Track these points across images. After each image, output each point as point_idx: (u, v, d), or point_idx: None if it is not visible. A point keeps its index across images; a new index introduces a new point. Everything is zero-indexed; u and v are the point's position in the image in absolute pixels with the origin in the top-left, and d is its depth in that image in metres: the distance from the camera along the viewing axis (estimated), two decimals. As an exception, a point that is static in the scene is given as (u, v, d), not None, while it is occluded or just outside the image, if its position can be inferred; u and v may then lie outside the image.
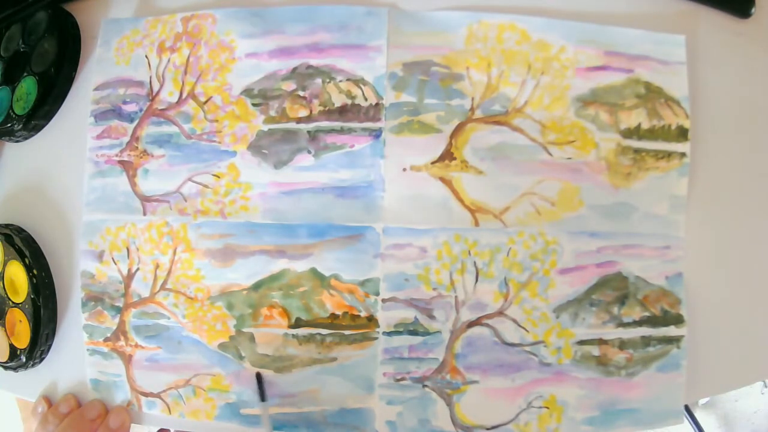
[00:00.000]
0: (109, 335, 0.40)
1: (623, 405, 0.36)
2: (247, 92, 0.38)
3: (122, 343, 0.39)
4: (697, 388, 0.36)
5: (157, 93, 0.40)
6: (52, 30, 0.42)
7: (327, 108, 0.37)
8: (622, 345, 0.36)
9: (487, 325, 0.36)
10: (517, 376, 0.36)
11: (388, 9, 0.37)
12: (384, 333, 0.36)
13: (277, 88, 0.38)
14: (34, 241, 0.42)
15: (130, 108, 0.40)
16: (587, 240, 0.36)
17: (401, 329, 0.36)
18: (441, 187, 0.36)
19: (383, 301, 0.36)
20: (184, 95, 0.39)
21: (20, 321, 0.41)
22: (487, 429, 0.36)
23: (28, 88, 0.42)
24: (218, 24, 0.39)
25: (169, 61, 0.39)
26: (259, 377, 0.36)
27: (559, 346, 0.36)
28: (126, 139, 0.40)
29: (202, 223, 0.38)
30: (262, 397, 0.35)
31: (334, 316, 0.37)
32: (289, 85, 0.38)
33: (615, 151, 0.36)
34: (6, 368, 0.42)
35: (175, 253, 0.38)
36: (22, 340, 0.41)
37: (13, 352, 0.41)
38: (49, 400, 0.41)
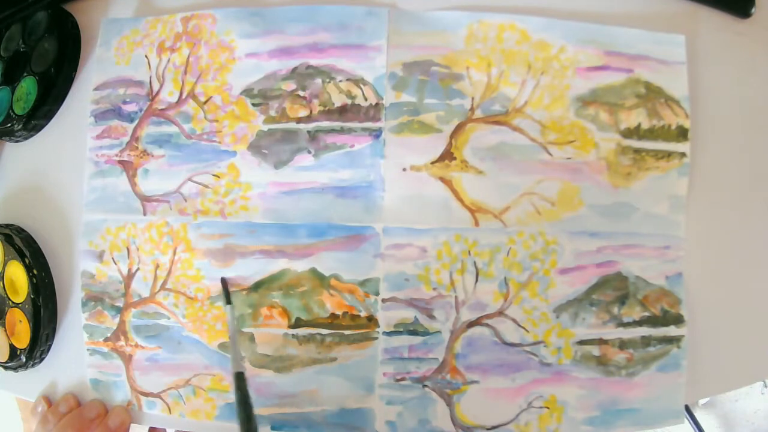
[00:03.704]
0: (109, 335, 0.40)
1: (623, 405, 0.36)
2: (247, 92, 0.38)
3: (122, 343, 0.39)
4: (697, 388, 0.36)
5: (157, 93, 0.40)
6: (52, 30, 0.42)
7: (327, 108, 0.37)
8: (623, 345, 0.36)
9: (487, 325, 0.36)
10: (517, 376, 0.36)
11: (388, 9, 0.37)
12: (384, 333, 0.36)
13: (277, 88, 0.38)
14: (34, 241, 0.42)
15: (130, 108, 0.40)
16: (587, 240, 0.36)
17: (401, 329, 0.36)
18: (441, 187, 0.36)
19: (383, 301, 0.36)
20: (184, 95, 0.39)
21: (20, 321, 0.41)
22: (488, 429, 0.36)
23: (28, 88, 0.42)
24: (218, 24, 0.39)
25: (169, 61, 0.39)
26: (223, 281, 0.37)
27: (559, 346, 0.36)
28: (126, 139, 0.40)
29: (202, 223, 0.38)
30: (228, 299, 0.36)
31: (334, 316, 0.37)
32: (289, 85, 0.38)
33: (615, 151, 0.36)
34: (6, 368, 0.42)
35: (175, 253, 0.38)
36: (22, 340, 0.41)
37: (13, 352, 0.41)
38: (48, 400, 0.41)
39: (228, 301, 0.36)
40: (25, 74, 0.43)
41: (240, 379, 0.31)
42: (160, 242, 0.39)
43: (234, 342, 0.34)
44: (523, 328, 0.36)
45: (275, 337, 0.37)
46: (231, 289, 0.38)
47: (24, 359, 0.41)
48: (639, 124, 0.36)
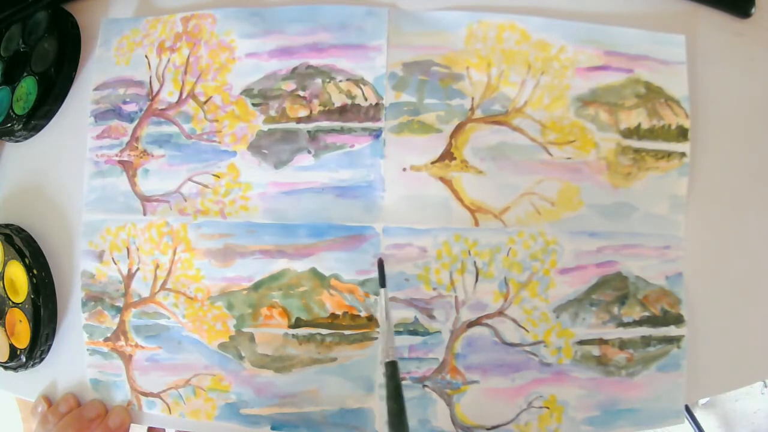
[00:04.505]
0: (109, 335, 0.40)
1: (624, 405, 0.36)
2: (247, 92, 0.38)
3: (122, 343, 0.39)
4: (697, 388, 0.36)
5: (157, 93, 0.40)
6: (52, 30, 0.42)
7: (327, 108, 0.37)
8: (623, 345, 0.36)
9: (487, 325, 0.36)
10: (517, 376, 0.36)
11: (388, 9, 0.37)
12: (384, 333, 0.36)
13: (277, 88, 0.38)
14: (34, 241, 0.42)
15: (130, 108, 0.40)
16: (587, 240, 0.36)
17: (401, 329, 0.36)
18: (441, 187, 0.36)
19: (383, 301, 0.36)
20: (184, 95, 0.39)
21: (20, 321, 0.41)
22: (487, 429, 0.36)
23: (28, 88, 0.42)
24: (218, 24, 0.39)
25: (169, 61, 0.39)
26: (380, 262, 0.36)
27: (560, 346, 0.36)
28: (126, 139, 0.40)
29: (202, 223, 0.38)
30: (383, 282, 0.35)
31: (334, 316, 0.37)
32: (289, 85, 0.38)
33: (615, 151, 0.36)
34: (6, 368, 0.42)
35: (175, 253, 0.38)
36: (22, 340, 0.41)
37: (13, 352, 0.41)
38: (48, 400, 0.41)
39: (382, 285, 0.34)
40: (25, 74, 0.43)
41: (393, 368, 0.30)
42: (160, 242, 0.39)
43: (386, 328, 0.33)
44: (523, 328, 0.36)
45: (275, 337, 0.37)
46: (231, 290, 0.38)
47: (24, 359, 0.41)
48: (639, 124, 0.36)
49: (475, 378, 0.36)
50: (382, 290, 0.34)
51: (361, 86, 0.37)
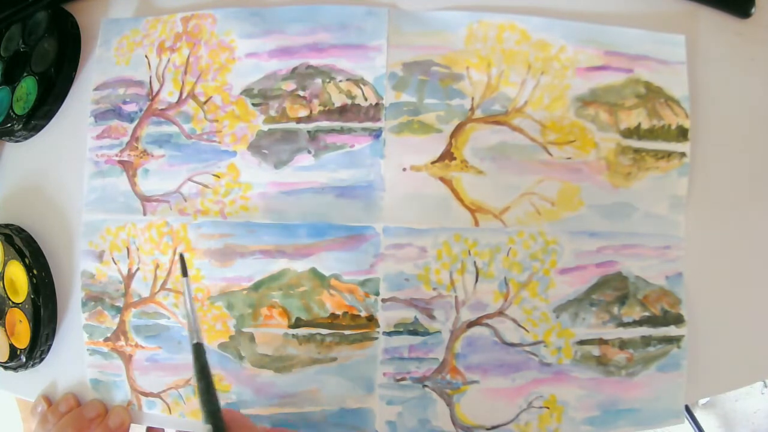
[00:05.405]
0: (109, 335, 0.40)
1: (624, 405, 0.36)
2: (247, 92, 0.38)
3: (122, 343, 0.39)
4: (697, 388, 0.36)
5: (157, 93, 0.40)
6: (52, 30, 0.42)
7: (327, 108, 0.37)
8: (623, 345, 0.36)
9: (487, 325, 0.36)
10: (517, 376, 0.36)
11: (388, 9, 0.37)
12: (384, 333, 0.36)
13: (277, 88, 0.38)
14: (34, 241, 0.42)
15: (130, 108, 0.40)
16: (587, 240, 0.36)
17: (401, 329, 0.36)
18: (441, 187, 0.36)
19: (383, 301, 0.36)
20: (184, 95, 0.39)
21: (20, 321, 0.41)
22: (488, 429, 0.36)
23: (28, 88, 0.42)
24: (218, 24, 0.39)
25: (169, 61, 0.39)
26: (181, 256, 0.36)
27: (560, 346, 0.36)
28: (126, 139, 0.40)
29: (202, 223, 0.38)
30: (184, 272, 0.34)
31: (334, 316, 0.37)
32: (289, 85, 0.38)
33: (615, 151, 0.36)
34: (6, 368, 0.42)
35: (175, 253, 0.38)
36: (22, 340, 0.41)
37: (13, 352, 0.41)
38: (48, 400, 0.41)
39: (184, 274, 0.34)
40: (25, 74, 0.43)
41: (199, 350, 0.31)
42: (160, 242, 0.39)
43: (190, 314, 0.33)
44: (523, 328, 0.36)
45: (275, 337, 0.37)
46: (231, 290, 0.38)
47: (24, 359, 0.41)
48: (639, 124, 0.36)
49: (475, 378, 0.36)
50: (184, 279, 0.33)
51: (361, 86, 0.37)
